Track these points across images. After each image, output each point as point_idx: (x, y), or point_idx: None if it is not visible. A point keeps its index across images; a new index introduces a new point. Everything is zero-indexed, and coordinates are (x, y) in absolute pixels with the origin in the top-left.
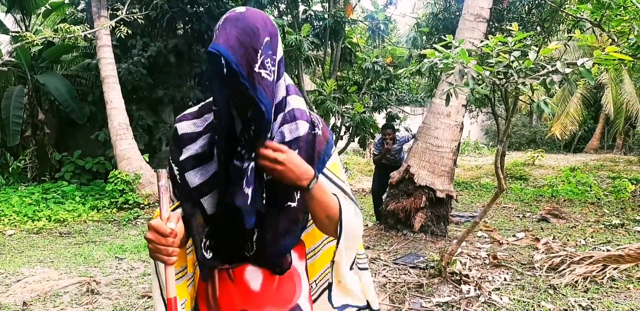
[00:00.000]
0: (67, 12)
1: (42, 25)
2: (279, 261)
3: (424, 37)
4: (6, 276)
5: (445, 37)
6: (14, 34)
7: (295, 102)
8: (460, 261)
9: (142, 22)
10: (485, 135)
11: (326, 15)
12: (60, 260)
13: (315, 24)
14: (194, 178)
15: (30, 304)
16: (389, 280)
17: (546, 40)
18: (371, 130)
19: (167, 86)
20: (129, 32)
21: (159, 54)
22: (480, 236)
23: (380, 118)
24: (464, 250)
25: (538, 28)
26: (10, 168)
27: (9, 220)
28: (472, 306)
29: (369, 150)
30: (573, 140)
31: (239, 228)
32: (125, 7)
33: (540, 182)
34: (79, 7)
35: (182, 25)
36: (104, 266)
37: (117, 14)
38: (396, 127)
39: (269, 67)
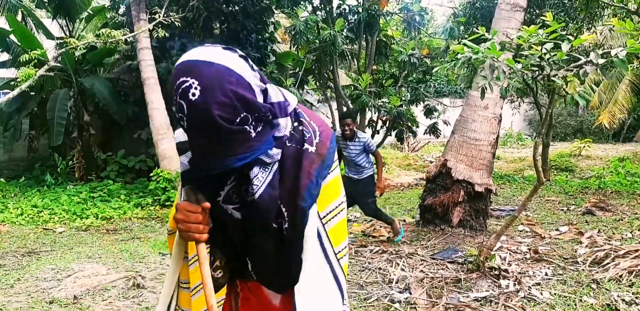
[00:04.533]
0: (108, 16)
1: (85, 30)
2: (281, 289)
3: (461, 27)
4: (58, 271)
5: (482, 27)
6: (59, 40)
7: (282, 124)
8: (500, 256)
9: (179, 24)
10: (529, 126)
11: (360, 9)
12: (107, 256)
13: (349, 18)
14: (186, 194)
15: (81, 298)
16: (427, 274)
17: (590, 26)
18: (409, 124)
19: None
20: (167, 34)
21: None
22: (521, 231)
23: (418, 112)
24: (503, 245)
25: (581, 14)
26: (59, 168)
27: (59, 218)
28: (511, 301)
29: (407, 144)
30: (622, 129)
31: (232, 248)
32: (163, 10)
33: (587, 174)
34: (120, 11)
35: (218, 25)
36: (149, 261)
37: (155, 17)
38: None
39: (249, 124)
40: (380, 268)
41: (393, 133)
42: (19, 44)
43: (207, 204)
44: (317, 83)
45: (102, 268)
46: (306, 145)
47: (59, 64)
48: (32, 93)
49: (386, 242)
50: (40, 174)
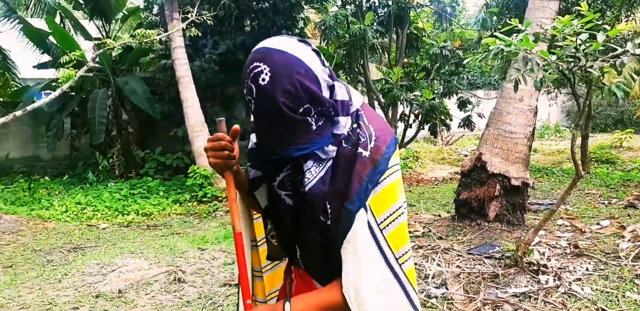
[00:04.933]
0: (143, 17)
1: (121, 30)
2: (325, 282)
3: (494, 18)
4: (102, 266)
5: (515, 17)
6: (96, 41)
7: (342, 122)
8: (539, 251)
9: (211, 22)
10: (567, 117)
11: (390, 2)
12: (149, 251)
13: (379, 12)
14: (250, 170)
15: (125, 292)
16: (463, 270)
17: (628, 13)
18: (442, 117)
19: (238, 83)
20: (200, 32)
21: (228, 51)
22: (560, 225)
23: (451, 104)
24: (542, 240)
25: (618, 2)
26: (100, 166)
27: (102, 214)
28: (551, 296)
29: (440, 138)
30: None
31: (284, 234)
32: (195, 9)
33: (629, 165)
34: (153, 11)
35: (248, 22)
36: (188, 256)
37: (188, 16)
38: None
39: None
40: (415, 264)
41: (426, 127)
42: (58, 45)
43: (236, 127)
44: (348, 78)
45: (145, 263)
46: (360, 149)
47: (97, 65)
48: (72, 93)
49: (421, 237)
50: (82, 172)
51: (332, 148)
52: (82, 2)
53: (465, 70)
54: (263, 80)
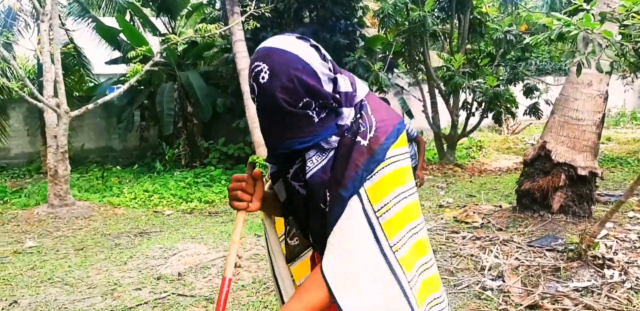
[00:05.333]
0: (207, 12)
1: (186, 26)
2: None
3: None
4: (165, 250)
5: None
6: (162, 37)
7: (346, 113)
8: (606, 245)
9: (269, 15)
10: None
11: None
12: (209, 237)
13: None
14: (271, 167)
15: (184, 275)
16: (522, 262)
17: None
18: (507, 105)
19: None
20: (259, 25)
21: None
22: (631, 217)
23: (517, 91)
24: (610, 232)
25: None
26: (167, 156)
27: (167, 201)
28: (615, 292)
29: (505, 126)
30: None
31: (300, 224)
32: (254, 2)
33: None
34: (216, 6)
35: (307, 14)
36: (245, 242)
37: (246, 10)
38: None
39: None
40: (472, 255)
41: (489, 116)
42: (128, 42)
43: (257, 170)
44: (408, 66)
45: (204, 248)
46: (359, 138)
47: (161, 59)
48: (141, 87)
49: (479, 228)
50: (150, 162)
51: (334, 139)
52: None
53: (533, 56)
54: (263, 78)
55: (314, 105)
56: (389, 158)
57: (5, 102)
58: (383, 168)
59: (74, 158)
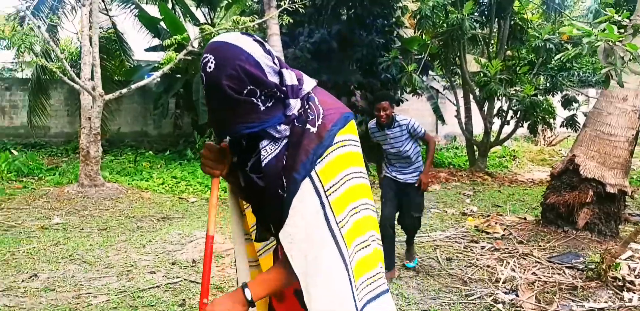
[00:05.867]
0: (247, 4)
1: (224, 17)
2: None
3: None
4: (183, 236)
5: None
6: (200, 27)
7: (292, 104)
8: (629, 266)
9: (304, 11)
10: None
11: None
12: (227, 227)
13: (480, 1)
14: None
15: (198, 262)
16: (539, 278)
17: None
18: (544, 115)
19: (330, 71)
20: (294, 20)
21: (322, 40)
22: None
23: (555, 102)
24: (635, 254)
25: None
26: (197, 144)
27: (193, 189)
28: None
29: (542, 137)
30: None
31: (258, 208)
32: None
33: None
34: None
35: (345, 11)
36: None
37: (280, 4)
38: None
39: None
40: (488, 266)
41: (525, 125)
42: (168, 30)
43: (225, 144)
44: (443, 69)
45: (220, 237)
46: (308, 126)
47: (195, 49)
48: (177, 75)
49: (500, 240)
50: (183, 149)
51: (284, 127)
52: None
53: (575, 66)
54: (209, 68)
55: (259, 94)
56: (336, 143)
57: (47, 82)
58: (332, 152)
59: (110, 141)
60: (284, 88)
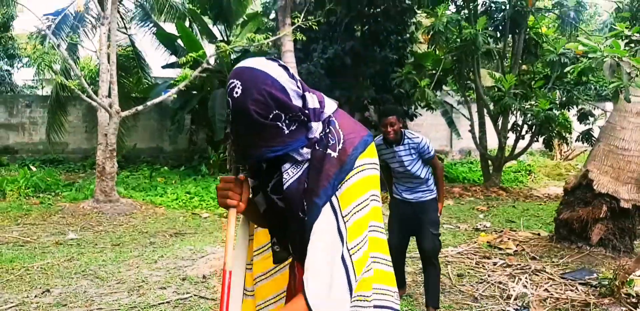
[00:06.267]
0: (263, 22)
1: (240, 34)
2: None
3: (626, 23)
4: (194, 252)
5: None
6: (216, 44)
7: (314, 127)
8: None
9: (317, 28)
10: None
11: (506, 6)
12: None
13: (494, 16)
14: (251, 181)
15: (208, 278)
16: (551, 294)
17: None
18: (559, 129)
19: (344, 86)
20: (308, 37)
21: (336, 56)
22: None
23: (571, 116)
24: None
25: None
26: (211, 160)
27: (206, 204)
28: None
29: (558, 152)
30: None
31: (278, 228)
32: (302, 14)
33: None
34: (271, 17)
35: (359, 27)
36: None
37: (294, 21)
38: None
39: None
40: (500, 282)
41: (540, 140)
42: (185, 47)
43: (242, 176)
44: (457, 84)
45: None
46: (329, 151)
47: (210, 66)
48: (194, 92)
49: (512, 256)
50: (197, 164)
51: (306, 151)
52: (207, 7)
53: (592, 80)
54: (236, 93)
55: (283, 118)
56: (357, 167)
57: (66, 99)
58: (352, 176)
59: (126, 157)
60: (306, 111)
